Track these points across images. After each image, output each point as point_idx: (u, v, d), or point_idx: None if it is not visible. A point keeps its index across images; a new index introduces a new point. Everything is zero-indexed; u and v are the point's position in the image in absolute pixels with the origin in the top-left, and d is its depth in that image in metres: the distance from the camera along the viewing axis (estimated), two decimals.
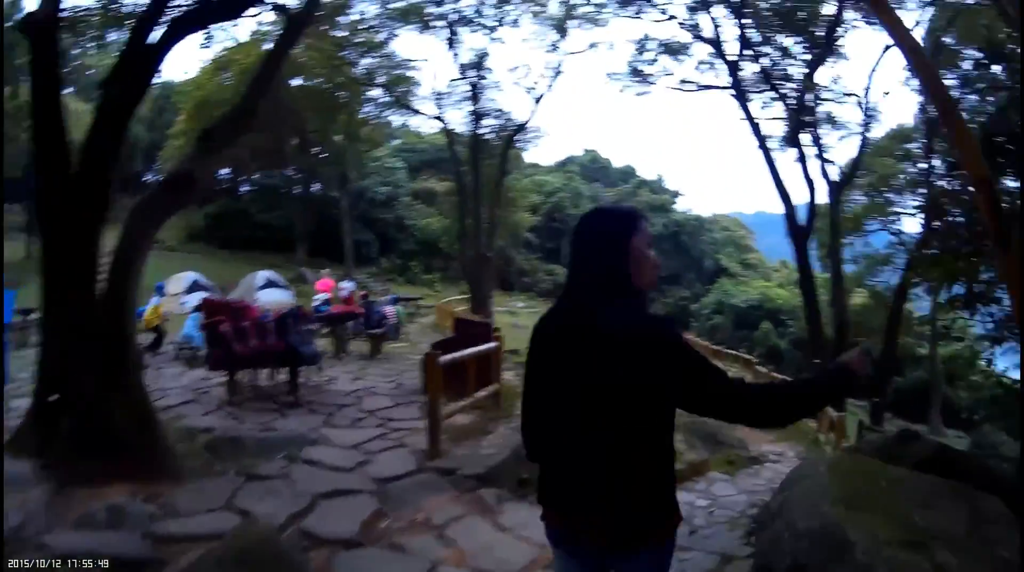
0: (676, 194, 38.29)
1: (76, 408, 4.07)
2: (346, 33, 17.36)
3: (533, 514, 2.57)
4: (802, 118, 16.30)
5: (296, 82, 20.30)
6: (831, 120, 17.40)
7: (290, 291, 19.55)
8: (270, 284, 19.14)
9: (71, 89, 22.50)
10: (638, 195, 37.06)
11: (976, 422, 16.93)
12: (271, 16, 10.18)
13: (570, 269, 1.52)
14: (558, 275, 32.35)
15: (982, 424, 15.32)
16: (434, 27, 17.74)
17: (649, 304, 1.50)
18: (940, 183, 16.08)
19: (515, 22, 17.97)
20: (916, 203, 19.13)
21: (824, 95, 16.96)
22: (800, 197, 17.02)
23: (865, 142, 17.75)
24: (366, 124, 23.84)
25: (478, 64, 18.76)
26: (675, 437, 1.48)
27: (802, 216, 16.44)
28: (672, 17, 16.55)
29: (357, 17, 17.00)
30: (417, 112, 21.05)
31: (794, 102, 16.37)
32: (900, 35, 4.24)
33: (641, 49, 17.63)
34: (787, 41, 16.04)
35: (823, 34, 15.41)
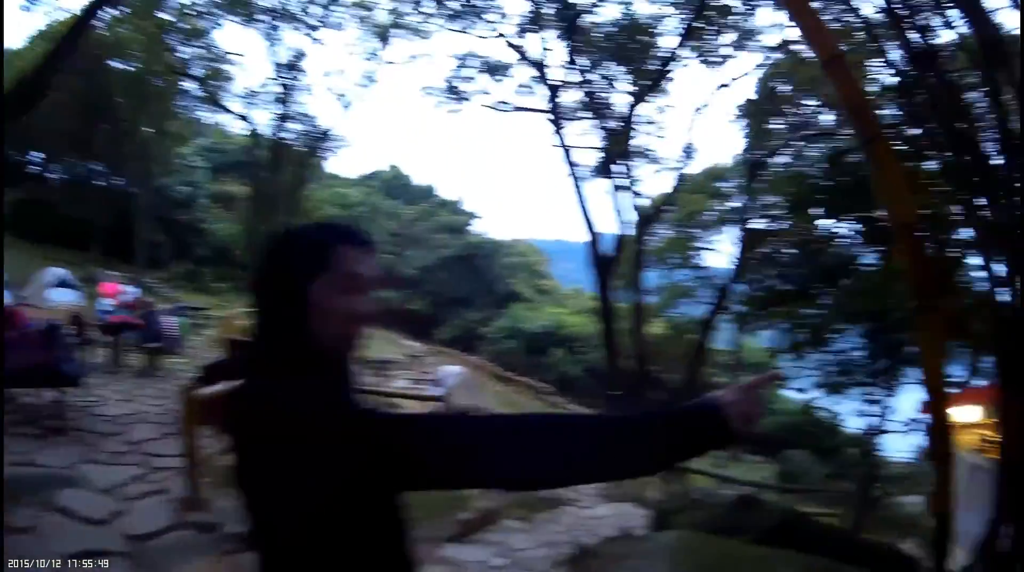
0: (473, 216, 39.15)
1: None
2: (172, 17, 16.20)
3: None
4: (618, 149, 16.55)
5: (116, 64, 18.38)
6: (646, 154, 17.77)
7: (81, 292, 17.06)
8: (62, 283, 16.57)
9: None
10: (436, 215, 37.51)
11: (779, 448, 17.38)
12: None
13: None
14: None
15: (784, 450, 16.23)
16: (258, 20, 16.87)
17: (344, 378, 1.07)
18: (756, 222, 17.17)
19: (339, 25, 17.57)
20: (719, 239, 19.94)
21: (644, 128, 17.27)
22: (606, 227, 16.89)
23: (681, 178, 18.31)
24: (176, 117, 22.02)
25: (293, 65, 18.06)
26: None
27: (606, 246, 16.46)
28: (501, 35, 16.24)
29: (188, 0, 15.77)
30: (226, 110, 19.95)
31: (612, 132, 16.52)
32: (820, 43, 4.13)
33: (462, 65, 17.14)
34: (615, 71, 16.19)
35: (655, 68, 15.76)
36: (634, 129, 16.83)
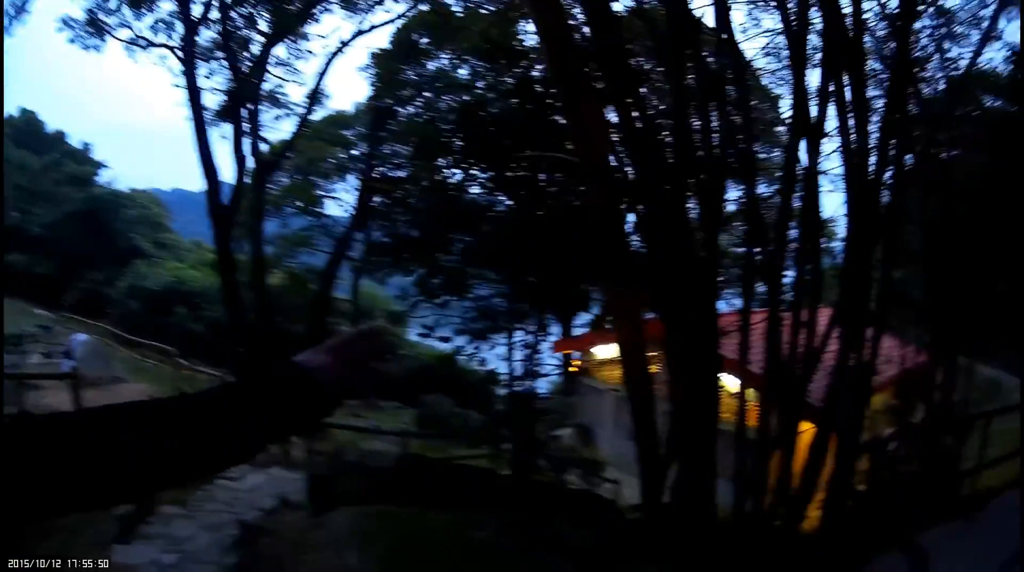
0: (100, 166, 34.03)
1: None
2: None
3: None
4: (246, 92, 15.53)
5: None
6: (275, 98, 16.97)
7: None
8: None
9: None
10: (62, 166, 31.87)
11: (416, 394, 16.44)
12: None
13: None
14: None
15: (422, 395, 15.72)
16: None
17: None
18: (381, 169, 17.02)
19: None
20: (342, 188, 19.70)
21: (276, 71, 16.42)
22: (226, 175, 15.83)
23: (303, 124, 17.59)
24: None
25: None
26: None
27: (225, 195, 15.51)
28: None
29: None
30: None
31: (243, 75, 15.43)
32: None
33: None
34: (258, 9, 15.16)
35: (297, 8, 15.04)
36: (267, 71, 15.99)
